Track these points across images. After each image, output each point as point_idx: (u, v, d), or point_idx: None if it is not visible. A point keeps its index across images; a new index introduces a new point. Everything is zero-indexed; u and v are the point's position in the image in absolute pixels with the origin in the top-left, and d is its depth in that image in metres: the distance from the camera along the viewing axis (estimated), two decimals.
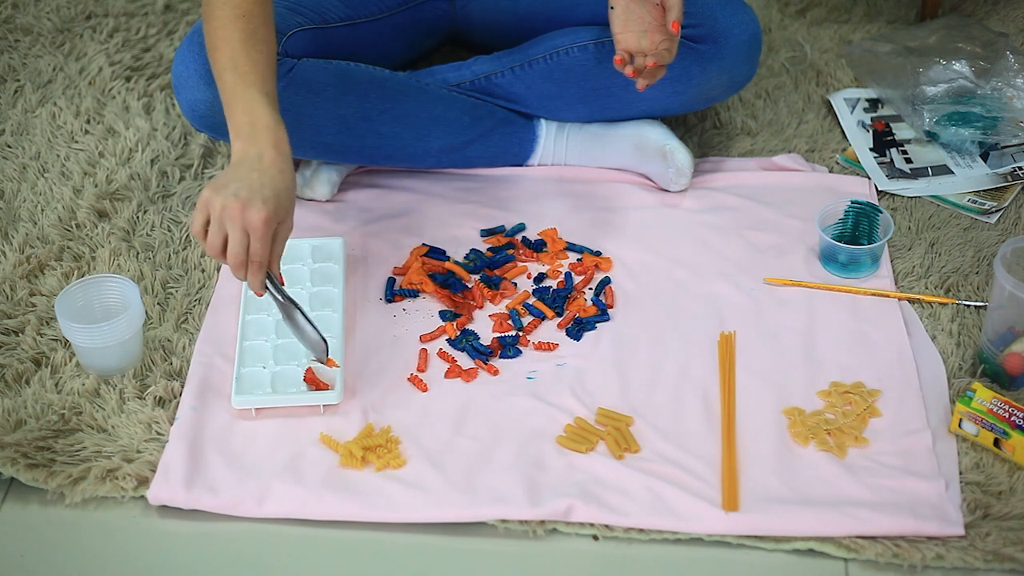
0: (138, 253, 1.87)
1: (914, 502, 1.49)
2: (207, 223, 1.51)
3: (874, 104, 2.13)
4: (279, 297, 1.59)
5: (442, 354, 1.70)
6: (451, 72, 1.95)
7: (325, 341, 1.61)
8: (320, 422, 1.61)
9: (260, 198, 1.49)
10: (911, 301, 1.77)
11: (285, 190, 1.53)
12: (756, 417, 1.61)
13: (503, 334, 1.73)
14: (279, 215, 1.52)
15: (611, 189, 1.96)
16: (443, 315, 1.75)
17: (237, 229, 1.49)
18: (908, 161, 2.01)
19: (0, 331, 1.75)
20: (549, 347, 1.71)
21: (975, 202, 1.93)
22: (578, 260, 1.84)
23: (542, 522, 1.50)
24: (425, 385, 1.66)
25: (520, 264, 1.84)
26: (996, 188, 1.96)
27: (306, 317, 1.60)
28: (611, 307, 1.77)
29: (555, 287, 1.80)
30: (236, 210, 1.49)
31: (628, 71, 1.71)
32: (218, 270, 1.83)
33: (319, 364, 1.63)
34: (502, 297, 1.79)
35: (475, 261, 1.84)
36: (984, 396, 1.56)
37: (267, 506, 1.52)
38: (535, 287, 1.81)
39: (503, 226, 1.90)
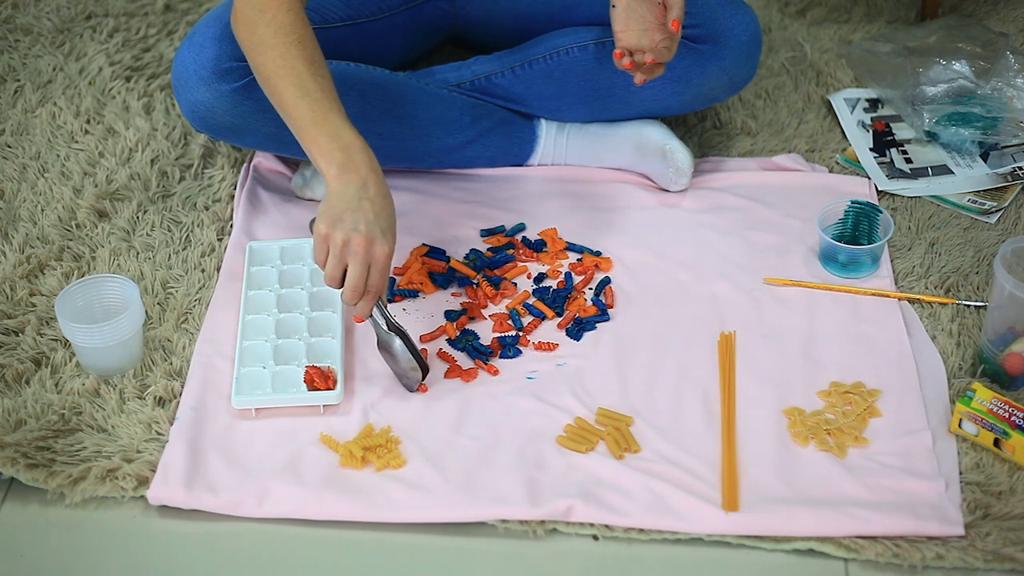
0: (138, 253, 1.86)
1: (914, 502, 1.49)
2: (327, 255, 1.54)
3: (874, 104, 2.13)
4: (383, 323, 1.60)
5: (442, 354, 1.70)
6: (451, 72, 1.95)
7: (424, 369, 1.63)
8: (320, 422, 1.61)
9: (380, 231, 1.53)
10: (911, 301, 1.77)
11: (394, 217, 1.56)
12: (756, 417, 1.61)
13: (503, 334, 1.73)
14: (394, 245, 1.55)
15: (611, 189, 1.96)
16: (448, 315, 1.75)
17: (359, 263, 1.52)
18: (908, 161, 2.01)
19: (0, 331, 1.75)
20: (549, 347, 1.71)
21: (975, 202, 1.93)
22: (578, 260, 1.84)
23: (542, 522, 1.50)
24: (425, 385, 1.66)
25: (520, 264, 1.84)
26: (996, 188, 1.96)
27: (408, 344, 1.61)
28: (611, 307, 1.77)
29: (555, 287, 1.80)
30: (360, 245, 1.51)
31: (625, 63, 1.70)
32: (218, 270, 1.83)
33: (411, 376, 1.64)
34: (502, 297, 1.79)
35: (475, 261, 1.83)
36: (984, 396, 1.56)
37: (267, 506, 1.52)
38: (535, 287, 1.80)
39: (503, 226, 1.90)
